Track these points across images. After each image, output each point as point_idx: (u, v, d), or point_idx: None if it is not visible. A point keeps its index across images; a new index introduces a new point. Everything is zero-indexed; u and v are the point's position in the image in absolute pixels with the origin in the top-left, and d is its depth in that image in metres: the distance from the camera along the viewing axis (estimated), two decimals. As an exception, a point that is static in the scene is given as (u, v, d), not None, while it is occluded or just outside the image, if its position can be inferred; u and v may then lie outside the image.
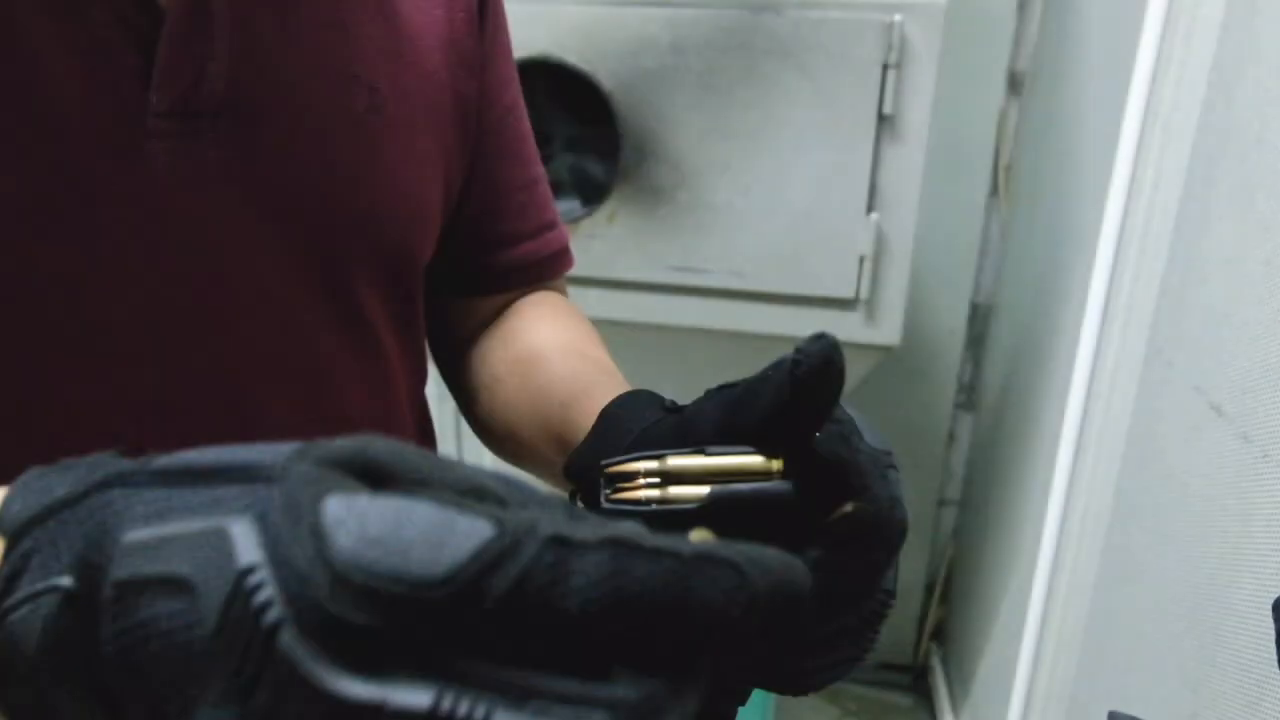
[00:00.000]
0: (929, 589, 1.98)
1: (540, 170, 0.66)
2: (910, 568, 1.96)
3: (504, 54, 0.61)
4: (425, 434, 0.63)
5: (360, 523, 0.19)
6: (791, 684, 0.36)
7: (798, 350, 0.32)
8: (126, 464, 0.23)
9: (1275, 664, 0.74)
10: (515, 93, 0.62)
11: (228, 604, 0.19)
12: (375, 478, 0.21)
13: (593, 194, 1.19)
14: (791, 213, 1.18)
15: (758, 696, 1.61)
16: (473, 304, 0.64)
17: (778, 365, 0.33)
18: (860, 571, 0.32)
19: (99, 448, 0.35)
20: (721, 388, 0.37)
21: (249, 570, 0.19)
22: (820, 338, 0.32)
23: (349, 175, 0.48)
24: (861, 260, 1.19)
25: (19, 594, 0.22)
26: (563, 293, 0.68)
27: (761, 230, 1.18)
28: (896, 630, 2.01)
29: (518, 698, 0.19)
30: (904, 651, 2.03)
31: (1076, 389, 1.19)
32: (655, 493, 0.34)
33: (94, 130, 0.40)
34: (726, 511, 0.33)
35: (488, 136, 0.59)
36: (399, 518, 0.19)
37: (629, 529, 0.20)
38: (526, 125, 0.64)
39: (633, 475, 0.34)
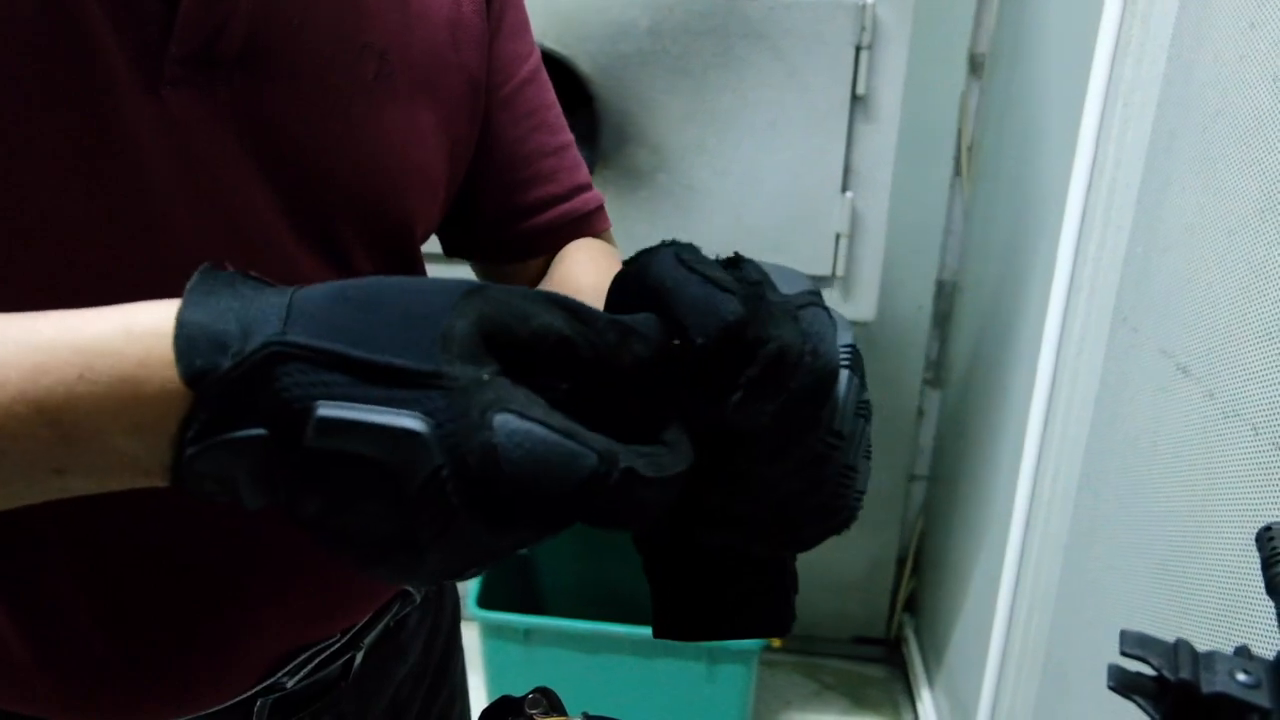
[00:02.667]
0: (900, 562, 2.03)
1: (569, 137, 0.67)
2: (882, 542, 2.00)
3: (518, 29, 0.62)
4: None
5: (521, 448, 0.28)
6: (786, 541, 0.38)
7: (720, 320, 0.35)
8: (278, 307, 0.30)
9: (1242, 611, 0.78)
10: (535, 65, 0.64)
11: (425, 488, 0.28)
12: (498, 342, 0.30)
13: (572, 178, 1.21)
14: (769, 193, 1.20)
15: (739, 670, 1.64)
16: (516, 270, 0.66)
17: (702, 309, 0.35)
18: (779, 411, 0.34)
19: None
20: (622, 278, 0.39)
21: (440, 469, 0.28)
22: (744, 306, 0.35)
23: (352, 138, 0.50)
24: (838, 238, 1.22)
25: (218, 438, 0.29)
26: (611, 243, 0.70)
27: (740, 210, 1.21)
28: (870, 604, 2.06)
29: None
30: (878, 624, 2.08)
31: (1045, 358, 1.23)
32: None
33: (118, 70, 0.41)
34: (665, 370, 0.36)
35: (504, 110, 0.60)
36: (546, 447, 0.28)
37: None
38: (550, 94, 0.65)
39: None
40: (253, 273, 0.32)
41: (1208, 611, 0.84)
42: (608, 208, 0.69)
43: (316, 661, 0.57)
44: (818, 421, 0.35)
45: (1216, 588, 0.82)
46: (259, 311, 0.30)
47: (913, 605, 2.05)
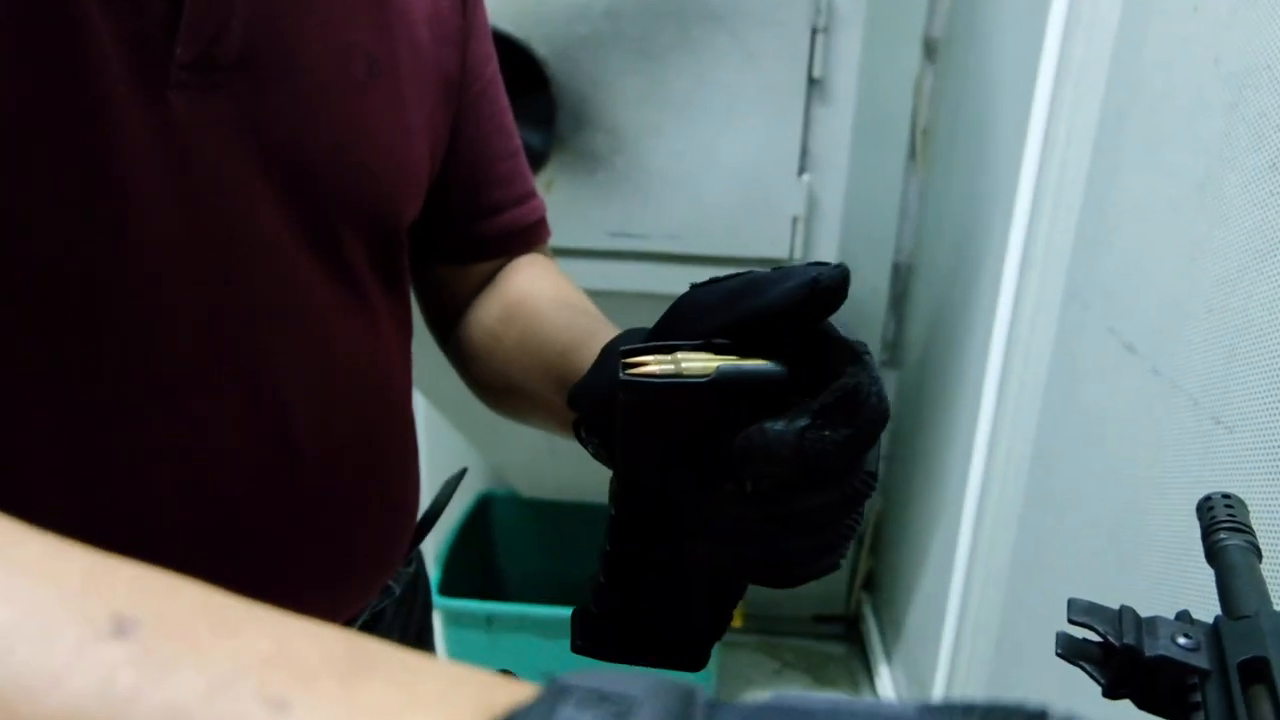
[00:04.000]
0: (858, 540, 2.06)
1: (519, 141, 0.68)
2: (841, 522, 2.03)
3: (484, 28, 0.63)
4: (405, 390, 0.65)
5: None
6: (775, 574, 0.39)
7: (817, 268, 0.36)
8: None
9: (1185, 577, 0.81)
10: (495, 66, 0.65)
11: None
12: None
13: (530, 162, 1.20)
14: (726, 176, 1.20)
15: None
16: (462, 273, 0.67)
17: (788, 273, 0.37)
18: (844, 442, 0.34)
19: (134, 393, 0.40)
20: (709, 282, 0.41)
21: None
22: (839, 265, 0.36)
23: (345, 137, 0.50)
24: (795, 221, 1.23)
25: None
26: (549, 257, 0.71)
27: (697, 194, 1.21)
28: (828, 582, 2.09)
29: None
30: (837, 603, 2.11)
31: (998, 337, 1.26)
32: (669, 367, 0.37)
33: (122, 75, 0.41)
34: (730, 387, 0.37)
35: (470, 109, 0.61)
36: None
37: None
38: (505, 98, 0.66)
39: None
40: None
41: (1153, 578, 0.86)
42: (565, 191, 0.70)
43: None
44: (861, 462, 0.36)
45: (1162, 555, 0.85)
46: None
47: (870, 583, 2.09)
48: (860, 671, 2.00)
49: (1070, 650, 0.38)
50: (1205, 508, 0.48)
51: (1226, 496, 0.48)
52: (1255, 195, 0.74)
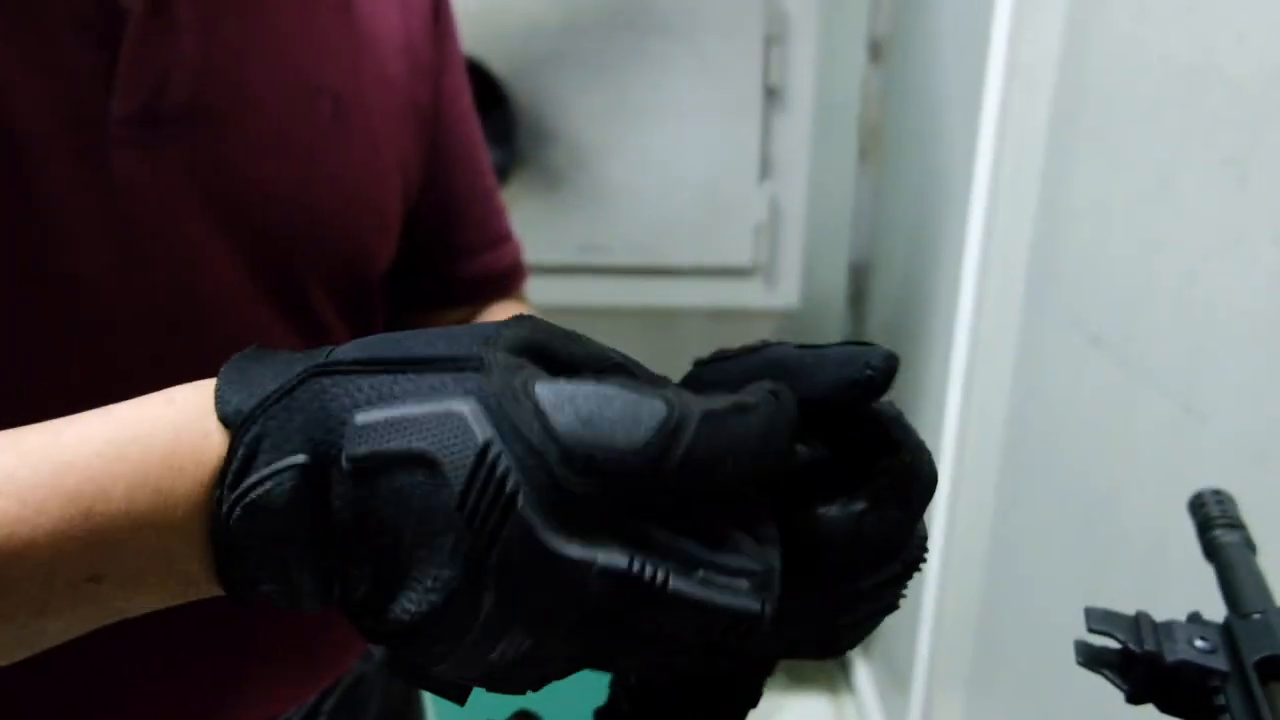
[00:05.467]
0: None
1: (493, 180, 0.66)
2: (811, 520, 2.04)
3: (457, 61, 0.61)
4: None
5: (572, 405, 0.23)
6: (827, 648, 0.36)
7: (864, 353, 0.33)
8: (318, 356, 0.26)
9: (1165, 567, 0.83)
10: (468, 101, 0.62)
11: (472, 474, 0.23)
12: (541, 358, 0.26)
13: (489, 180, 1.19)
14: (688, 186, 1.21)
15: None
16: (435, 317, 0.64)
17: (825, 356, 0.33)
18: (904, 519, 0.32)
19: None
20: (715, 357, 0.37)
21: (488, 445, 0.23)
22: (888, 353, 0.33)
23: (310, 185, 0.48)
24: (758, 228, 1.24)
25: (256, 475, 0.25)
26: (526, 303, 0.69)
27: (660, 205, 1.21)
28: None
29: (689, 564, 0.24)
30: (810, 601, 2.12)
31: (960, 334, 1.27)
32: None
33: (51, 139, 0.38)
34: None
35: (444, 145, 0.59)
36: (600, 400, 0.23)
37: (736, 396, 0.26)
38: (479, 133, 0.64)
39: None
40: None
41: (1130, 569, 0.88)
42: (528, 208, 0.69)
43: None
44: (910, 533, 0.34)
45: (1139, 545, 0.87)
46: (301, 358, 0.27)
47: (843, 580, 2.10)
48: (836, 667, 2.02)
49: (1090, 658, 0.39)
50: (1198, 505, 0.49)
51: (1217, 493, 0.49)
52: (1213, 190, 0.76)
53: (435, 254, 0.62)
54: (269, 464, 0.25)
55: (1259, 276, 0.70)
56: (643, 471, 0.23)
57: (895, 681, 1.69)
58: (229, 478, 0.25)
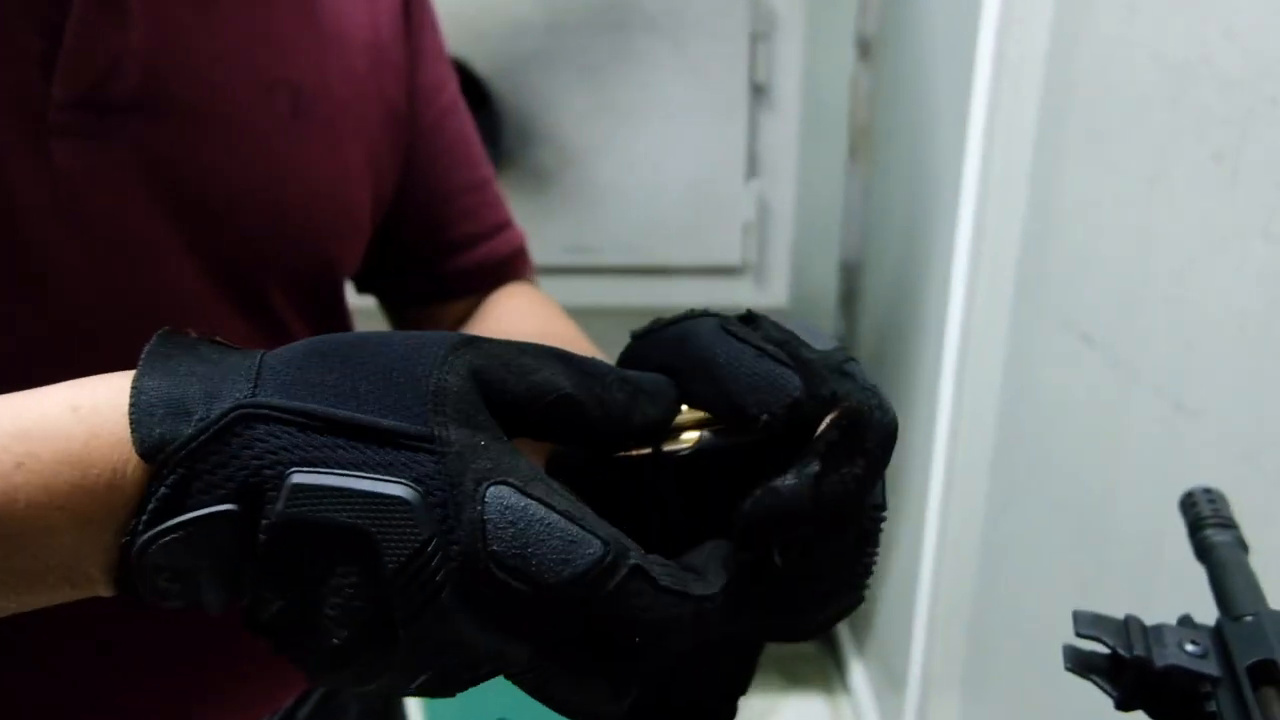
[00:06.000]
0: (823, 539, 2.07)
1: (489, 171, 0.64)
2: (804, 521, 2.04)
3: (435, 54, 0.59)
4: None
5: (514, 528, 0.25)
6: (790, 628, 0.34)
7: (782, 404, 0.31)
8: (247, 366, 0.27)
9: (1158, 566, 0.82)
10: (452, 93, 0.61)
11: (407, 562, 0.24)
12: (487, 393, 0.27)
13: (476, 181, 1.19)
14: (676, 185, 1.20)
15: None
16: (432, 313, 0.63)
17: (755, 387, 0.31)
18: (865, 474, 0.30)
19: None
20: (650, 329, 0.35)
21: (428, 541, 0.24)
22: (815, 398, 0.31)
23: (269, 181, 0.47)
24: (746, 227, 1.23)
25: (181, 518, 0.25)
26: (533, 286, 0.67)
27: (649, 205, 1.20)
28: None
29: (576, 671, 0.27)
30: (805, 601, 2.11)
31: (951, 333, 1.27)
32: (648, 451, 0.33)
33: None
34: (714, 455, 0.32)
35: (424, 141, 0.58)
36: (543, 529, 0.25)
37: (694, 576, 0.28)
38: (469, 126, 0.62)
39: None
40: (218, 337, 0.29)
41: (1124, 568, 0.88)
42: (516, 209, 0.68)
43: None
44: (871, 490, 0.32)
45: (1131, 544, 0.86)
46: (226, 372, 0.26)
47: (837, 580, 2.10)
48: (832, 666, 2.01)
49: (1079, 664, 0.38)
50: (1189, 504, 0.48)
51: (1208, 491, 0.48)
52: (1203, 187, 0.75)
53: (426, 252, 0.61)
54: (196, 509, 0.25)
55: (1250, 274, 0.70)
56: (557, 604, 0.25)
57: (890, 681, 1.68)
58: (149, 515, 0.25)
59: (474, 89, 1.17)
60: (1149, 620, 0.39)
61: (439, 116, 0.59)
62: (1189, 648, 0.37)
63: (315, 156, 0.49)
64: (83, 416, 0.26)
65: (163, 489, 0.25)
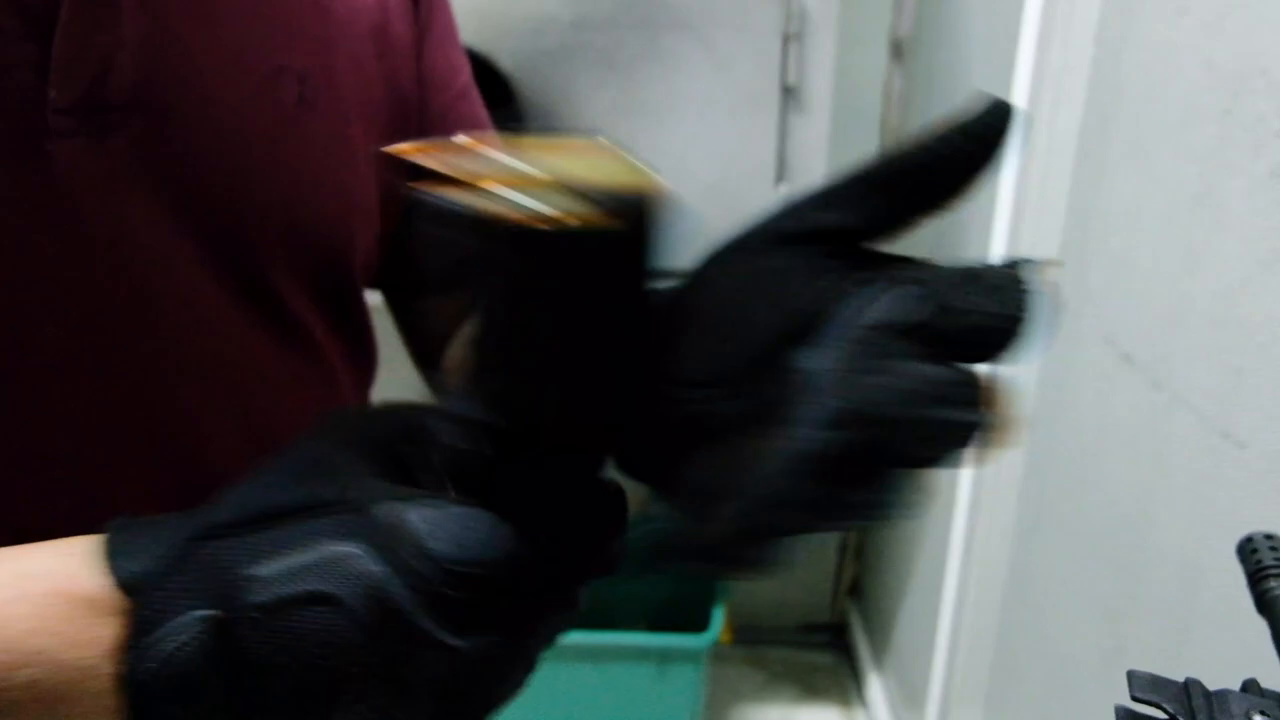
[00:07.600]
0: (842, 548, 2.04)
1: None
2: (823, 529, 2.01)
3: (446, 38, 0.57)
4: None
5: (443, 530, 0.28)
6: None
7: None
8: (195, 521, 0.29)
9: (1196, 600, 0.79)
10: (467, 80, 0.59)
11: (372, 605, 0.27)
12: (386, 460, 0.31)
13: (497, 179, 1.16)
14: (701, 187, 1.17)
15: (688, 668, 1.62)
16: (438, 304, 0.61)
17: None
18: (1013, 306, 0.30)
19: (33, 462, 0.40)
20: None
21: (381, 579, 0.27)
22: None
23: (275, 173, 0.45)
24: (773, 232, 1.20)
25: (164, 629, 0.27)
26: None
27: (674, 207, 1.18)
28: (813, 590, 2.06)
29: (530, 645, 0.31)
30: (822, 611, 2.09)
31: (983, 345, 1.23)
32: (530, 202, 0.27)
33: None
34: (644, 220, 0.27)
35: (434, 127, 0.56)
36: (463, 523, 0.28)
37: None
38: (481, 114, 0.61)
39: None
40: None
41: (1158, 598, 0.84)
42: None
43: None
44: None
45: (1167, 576, 0.83)
46: (175, 524, 0.30)
47: (856, 590, 2.07)
48: (849, 680, 1.98)
49: (1134, 730, 0.35)
50: (1249, 550, 0.44)
51: (1270, 537, 0.45)
52: (1256, 204, 0.72)
53: None
54: (174, 619, 0.27)
55: (1307, 296, 0.66)
56: (502, 577, 0.28)
57: (908, 697, 1.65)
58: (136, 639, 0.27)
59: (497, 85, 1.15)
60: (1194, 671, 0.36)
61: (452, 101, 0.58)
62: (1256, 718, 0.34)
63: (320, 145, 0.47)
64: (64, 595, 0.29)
65: (145, 611, 0.28)
